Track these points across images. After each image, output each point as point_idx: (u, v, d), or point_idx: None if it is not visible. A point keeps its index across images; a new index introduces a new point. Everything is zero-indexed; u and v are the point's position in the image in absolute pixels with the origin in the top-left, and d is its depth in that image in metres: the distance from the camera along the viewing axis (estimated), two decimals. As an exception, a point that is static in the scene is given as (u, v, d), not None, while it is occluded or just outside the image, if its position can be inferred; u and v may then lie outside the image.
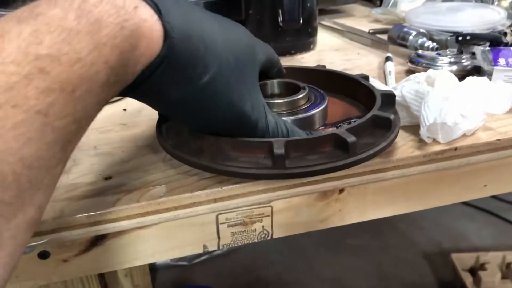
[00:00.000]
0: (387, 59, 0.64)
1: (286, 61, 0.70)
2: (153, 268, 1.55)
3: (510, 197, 1.88)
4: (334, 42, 0.79)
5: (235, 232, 0.44)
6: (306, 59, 0.70)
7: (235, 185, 0.40)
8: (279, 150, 0.36)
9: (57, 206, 0.38)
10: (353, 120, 0.45)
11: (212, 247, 0.45)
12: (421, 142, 0.44)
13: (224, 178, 0.40)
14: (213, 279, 1.51)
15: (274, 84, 0.47)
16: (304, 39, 0.72)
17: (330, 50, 0.74)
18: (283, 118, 0.42)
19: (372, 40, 0.74)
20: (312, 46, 0.74)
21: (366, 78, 0.49)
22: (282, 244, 1.67)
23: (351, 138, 0.37)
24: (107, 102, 0.28)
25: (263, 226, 0.45)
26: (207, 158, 0.38)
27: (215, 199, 0.40)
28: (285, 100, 0.43)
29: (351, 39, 0.78)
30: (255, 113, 0.37)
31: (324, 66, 0.54)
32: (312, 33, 0.73)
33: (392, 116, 0.40)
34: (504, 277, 1.36)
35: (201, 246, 0.44)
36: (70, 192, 0.40)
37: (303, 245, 1.67)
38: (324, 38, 0.80)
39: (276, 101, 0.43)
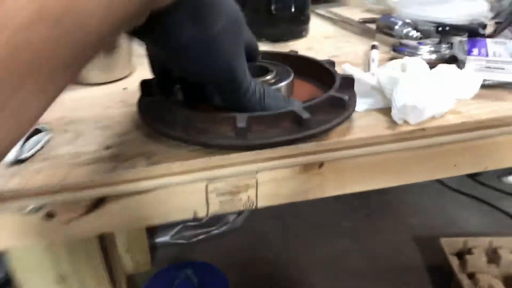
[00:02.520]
0: (373, 47, 0.68)
1: (279, 48, 0.74)
2: (153, 245, 1.61)
3: (501, 186, 1.92)
4: (326, 30, 0.83)
5: (223, 201, 0.49)
6: (297, 46, 0.74)
7: (222, 156, 0.44)
8: (241, 123, 0.41)
9: (62, 171, 0.42)
10: None
11: (201, 213, 0.49)
12: (393, 123, 0.49)
13: (213, 150, 0.45)
14: (211, 257, 1.56)
15: None
16: (296, 26, 0.76)
17: (321, 38, 0.78)
18: None
19: (361, 29, 0.78)
20: (304, 33, 0.78)
21: (332, 63, 0.54)
22: (279, 226, 1.72)
23: (305, 115, 0.42)
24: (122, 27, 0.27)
25: (248, 196, 0.49)
26: (180, 130, 0.43)
27: (204, 167, 0.44)
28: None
29: (342, 28, 0.82)
30: (243, 75, 0.41)
31: (297, 52, 0.58)
32: (305, 21, 0.77)
33: (346, 97, 0.45)
34: (490, 261, 1.41)
35: (191, 212, 0.49)
36: (74, 159, 0.44)
37: (300, 227, 1.72)
38: (318, 26, 0.84)
39: None
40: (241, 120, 0.41)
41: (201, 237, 1.65)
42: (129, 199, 0.45)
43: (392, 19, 0.73)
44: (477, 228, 1.70)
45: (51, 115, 0.53)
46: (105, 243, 0.59)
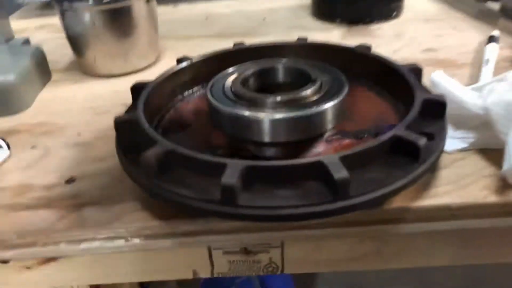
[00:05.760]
0: (491, 39, 0.47)
1: (357, 31, 0.56)
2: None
3: None
4: (427, 9, 0.63)
5: (233, 261, 0.35)
6: (382, 32, 0.56)
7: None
8: (229, 179, 0.24)
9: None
10: (382, 132, 0.31)
11: (204, 274, 0.36)
12: (504, 183, 0.29)
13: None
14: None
15: (278, 70, 0.37)
16: (383, 4, 0.57)
17: (417, 20, 0.58)
18: (280, 114, 0.31)
19: (478, 9, 0.57)
20: (395, 13, 0.59)
21: (417, 70, 0.35)
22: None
23: (341, 174, 0.24)
24: None
25: (270, 258, 0.34)
26: (150, 174, 0.28)
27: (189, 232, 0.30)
28: (281, 98, 0.32)
29: (450, 6, 0.61)
30: None
31: (369, 48, 0.39)
32: (396, -4, 0.58)
33: (421, 142, 0.26)
34: None
35: (190, 272, 0.35)
36: (16, 197, 0.32)
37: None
38: (416, 3, 0.63)
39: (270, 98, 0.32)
40: (231, 172, 0.25)
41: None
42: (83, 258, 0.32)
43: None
44: None
45: (27, 119, 0.42)
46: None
